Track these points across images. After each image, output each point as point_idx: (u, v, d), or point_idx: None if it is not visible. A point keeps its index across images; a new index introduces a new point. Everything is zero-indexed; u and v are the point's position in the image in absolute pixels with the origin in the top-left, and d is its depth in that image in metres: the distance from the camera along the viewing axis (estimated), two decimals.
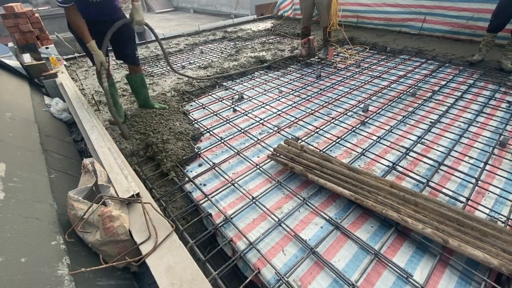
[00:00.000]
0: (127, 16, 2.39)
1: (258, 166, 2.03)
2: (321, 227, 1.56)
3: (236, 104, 2.97)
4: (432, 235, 1.36)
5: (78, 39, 2.32)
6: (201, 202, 1.77)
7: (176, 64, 4.32)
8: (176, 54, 4.86)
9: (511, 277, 1.20)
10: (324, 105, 2.88)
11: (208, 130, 2.52)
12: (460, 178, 1.84)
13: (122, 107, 2.85)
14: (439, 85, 3.15)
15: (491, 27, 3.37)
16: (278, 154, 2.04)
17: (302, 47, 3.99)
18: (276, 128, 2.49)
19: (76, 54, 4.94)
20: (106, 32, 2.26)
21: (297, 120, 2.62)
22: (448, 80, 3.25)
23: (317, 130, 2.43)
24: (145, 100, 2.82)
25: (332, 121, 2.57)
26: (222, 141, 2.36)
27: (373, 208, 1.53)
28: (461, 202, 1.66)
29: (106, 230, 1.27)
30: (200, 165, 2.12)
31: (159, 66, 4.30)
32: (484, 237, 1.34)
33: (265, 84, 3.49)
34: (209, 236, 1.60)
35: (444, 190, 1.74)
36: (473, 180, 1.80)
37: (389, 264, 1.34)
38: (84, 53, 2.63)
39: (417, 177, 1.85)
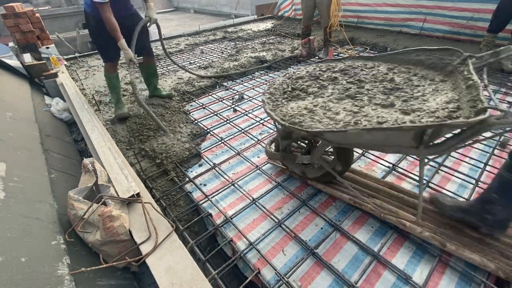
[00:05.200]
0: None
1: (258, 167, 2.03)
2: (321, 228, 1.56)
3: (236, 104, 2.97)
4: (430, 239, 1.36)
5: (94, 35, 2.50)
6: (201, 202, 1.77)
7: (178, 62, 4.32)
8: (177, 54, 4.86)
9: (508, 280, 1.20)
10: None
11: (208, 130, 2.52)
12: (460, 179, 1.84)
13: (124, 105, 2.87)
14: None
15: (491, 28, 3.37)
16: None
17: (303, 47, 3.99)
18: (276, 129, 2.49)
19: (76, 54, 4.95)
20: (125, 26, 2.46)
21: None
22: None
23: None
24: (155, 88, 3.14)
25: None
26: (222, 141, 2.36)
27: (372, 212, 1.53)
28: None
29: (106, 230, 1.27)
30: (200, 165, 2.12)
31: (159, 66, 4.30)
32: (482, 240, 1.34)
33: (266, 84, 3.49)
34: (209, 236, 1.60)
35: (444, 191, 1.74)
36: (473, 181, 1.80)
37: (389, 265, 1.34)
38: (96, 50, 2.88)
39: (417, 178, 1.85)
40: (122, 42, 2.32)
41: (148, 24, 2.62)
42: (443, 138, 1.06)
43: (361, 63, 1.56)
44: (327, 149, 1.60)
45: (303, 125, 1.23)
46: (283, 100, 1.45)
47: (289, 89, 1.51)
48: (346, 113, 1.23)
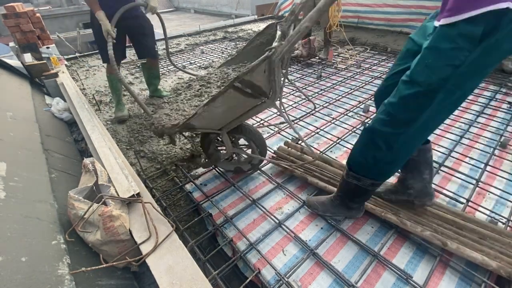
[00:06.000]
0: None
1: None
2: (321, 228, 1.56)
3: None
4: (430, 238, 1.36)
5: (98, 34, 2.39)
6: (201, 202, 1.77)
7: (176, 64, 4.32)
8: (177, 54, 4.86)
9: (509, 279, 1.20)
10: (325, 105, 2.87)
11: None
12: (461, 179, 1.84)
13: (124, 105, 2.88)
14: None
15: None
16: (278, 157, 2.04)
17: (303, 47, 3.99)
18: (276, 129, 2.49)
19: (77, 54, 4.95)
20: (130, 27, 2.40)
21: (297, 120, 2.61)
22: None
23: (318, 130, 2.43)
24: (155, 89, 3.19)
25: (332, 121, 2.57)
26: None
27: (372, 211, 1.53)
28: (462, 203, 1.66)
29: (106, 230, 1.27)
30: None
31: (159, 66, 4.30)
32: (482, 240, 1.34)
33: None
34: (210, 236, 1.60)
35: (444, 191, 1.74)
36: (474, 181, 1.80)
37: (389, 265, 1.34)
38: (97, 50, 2.85)
39: None
40: (100, 13, 2.21)
41: (145, 11, 2.42)
42: None
43: (219, 71, 1.93)
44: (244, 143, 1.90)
45: (168, 126, 1.54)
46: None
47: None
48: (192, 107, 1.65)
